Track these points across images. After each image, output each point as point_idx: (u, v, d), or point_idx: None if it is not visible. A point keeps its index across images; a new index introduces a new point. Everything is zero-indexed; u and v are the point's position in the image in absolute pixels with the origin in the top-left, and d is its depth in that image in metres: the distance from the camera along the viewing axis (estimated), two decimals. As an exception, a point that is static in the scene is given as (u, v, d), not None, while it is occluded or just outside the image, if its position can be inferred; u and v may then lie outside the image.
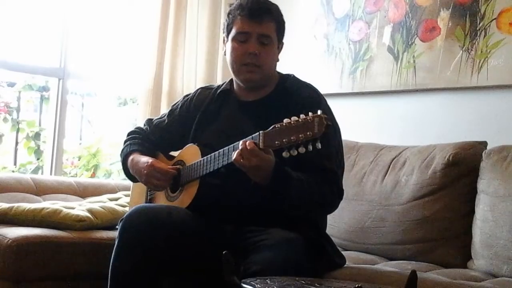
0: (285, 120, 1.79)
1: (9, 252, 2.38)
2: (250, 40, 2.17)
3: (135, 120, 3.98)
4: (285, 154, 1.80)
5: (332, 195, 2.11)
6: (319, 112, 1.75)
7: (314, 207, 2.10)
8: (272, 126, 1.82)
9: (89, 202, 2.92)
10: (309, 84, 2.29)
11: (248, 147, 1.85)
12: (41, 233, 2.49)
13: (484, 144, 2.57)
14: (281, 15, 2.25)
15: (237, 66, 2.21)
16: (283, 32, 2.26)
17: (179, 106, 2.44)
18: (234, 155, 1.89)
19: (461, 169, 2.51)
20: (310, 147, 1.75)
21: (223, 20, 3.85)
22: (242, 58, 2.19)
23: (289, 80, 2.27)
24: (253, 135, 1.88)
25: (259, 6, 2.18)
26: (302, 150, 1.76)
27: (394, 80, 3.21)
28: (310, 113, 1.76)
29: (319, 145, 1.74)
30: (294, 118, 1.77)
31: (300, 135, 1.74)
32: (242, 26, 2.18)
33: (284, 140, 1.77)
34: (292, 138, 1.75)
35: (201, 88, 2.47)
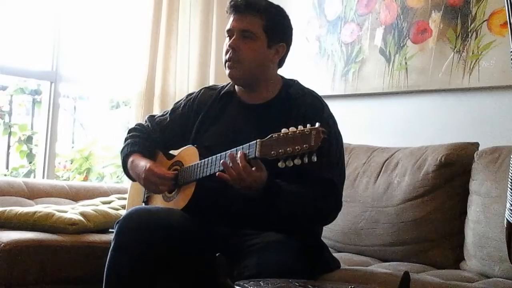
0: (283, 130, 1.79)
1: (1, 256, 2.37)
2: (233, 36, 2.18)
3: (128, 123, 3.98)
4: (280, 164, 1.79)
5: (328, 209, 2.10)
6: (317, 124, 1.75)
7: (307, 220, 2.09)
8: (269, 136, 1.81)
9: (82, 205, 2.92)
10: (312, 91, 2.27)
11: (242, 169, 1.86)
12: (33, 236, 2.49)
13: (476, 145, 2.58)
14: (274, 14, 2.21)
15: (223, 63, 2.23)
16: (278, 32, 2.22)
17: (181, 105, 2.41)
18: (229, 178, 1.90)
19: (453, 170, 2.52)
20: (306, 160, 1.75)
21: (215, 22, 3.89)
22: (225, 54, 2.20)
23: (294, 86, 2.25)
24: (250, 143, 1.87)
25: (243, 2, 2.18)
26: (298, 162, 1.76)
27: (386, 82, 3.22)
28: (308, 125, 1.76)
29: (314, 158, 1.74)
30: (292, 128, 1.77)
31: (297, 147, 1.74)
32: (229, 23, 2.21)
33: (280, 150, 1.77)
34: (288, 149, 1.76)
35: (205, 88, 2.44)
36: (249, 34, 2.16)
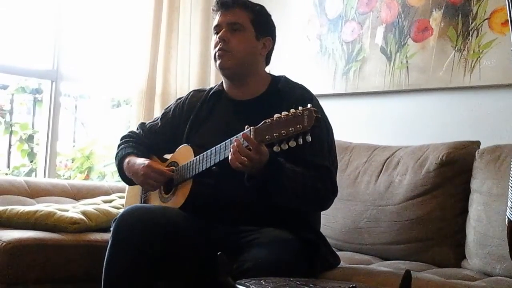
0: (276, 115, 1.80)
1: (3, 255, 2.37)
2: (221, 30, 2.23)
3: (129, 122, 3.98)
4: (276, 148, 1.81)
5: (326, 191, 2.10)
6: (308, 105, 1.77)
7: (308, 200, 2.08)
8: (263, 121, 1.83)
9: (83, 204, 2.92)
10: (301, 85, 2.30)
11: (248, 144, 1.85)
12: (35, 235, 2.49)
13: (477, 143, 2.58)
14: (259, 9, 2.28)
15: (213, 56, 2.26)
16: (264, 26, 2.28)
17: (172, 109, 2.45)
18: (230, 155, 1.89)
19: (455, 169, 2.52)
20: (301, 140, 1.76)
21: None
22: (215, 47, 2.24)
23: (282, 81, 2.28)
24: (244, 131, 1.88)
25: None
26: (292, 143, 1.77)
27: (387, 80, 3.22)
28: (300, 107, 1.77)
29: (309, 138, 1.75)
30: (284, 112, 1.79)
31: (290, 129, 1.75)
32: (216, 20, 2.26)
33: (274, 134, 1.78)
34: (282, 132, 1.76)
35: (194, 90, 2.48)
36: (238, 26, 2.22)
